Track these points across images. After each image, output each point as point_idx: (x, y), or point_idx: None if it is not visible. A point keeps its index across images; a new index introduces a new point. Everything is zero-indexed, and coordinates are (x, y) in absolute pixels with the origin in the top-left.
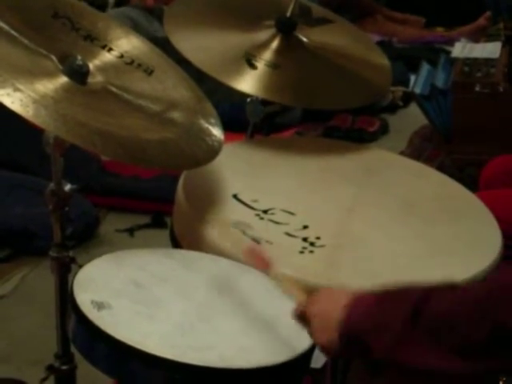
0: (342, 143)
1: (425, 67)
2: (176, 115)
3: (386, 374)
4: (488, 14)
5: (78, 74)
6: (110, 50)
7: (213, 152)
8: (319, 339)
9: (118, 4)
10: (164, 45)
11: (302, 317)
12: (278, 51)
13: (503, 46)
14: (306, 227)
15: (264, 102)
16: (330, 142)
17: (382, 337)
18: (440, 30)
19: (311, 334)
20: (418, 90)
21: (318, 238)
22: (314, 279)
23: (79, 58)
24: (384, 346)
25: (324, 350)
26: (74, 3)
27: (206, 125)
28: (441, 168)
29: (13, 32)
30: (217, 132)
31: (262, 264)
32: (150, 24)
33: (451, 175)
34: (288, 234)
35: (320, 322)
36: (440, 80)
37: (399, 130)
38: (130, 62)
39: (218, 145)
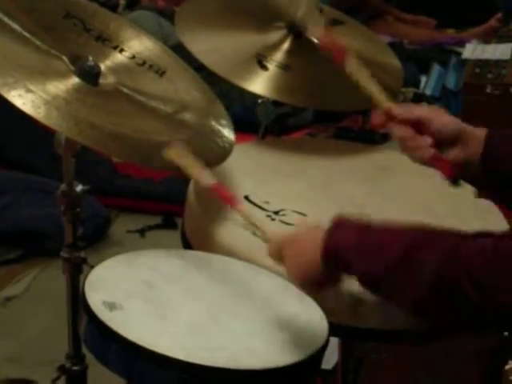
0: (353, 144)
1: (436, 69)
2: (187, 117)
3: None
4: (499, 15)
5: (90, 75)
6: (122, 50)
7: (224, 153)
8: (297, 267)
9: (129, 5)
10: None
11: (277, 254)
12: (290, 52)
13: None
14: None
15: (275, 104)
16: (341, 143)
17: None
18: (451, 31)
19: (288, 268)
20: (428, 92)
21: None
22: None
23: (90, 58)
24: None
25: (303, 277)
26: (86, 4)
27: (218, 126)
28: None
29: (24, 33)
30: (228, 133)
31: (228, 200)
32: (161, 29)
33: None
34: None
35: (298, 254)
36: (451, 81)
37: None
38: (141, 63)
39: (229, 146)
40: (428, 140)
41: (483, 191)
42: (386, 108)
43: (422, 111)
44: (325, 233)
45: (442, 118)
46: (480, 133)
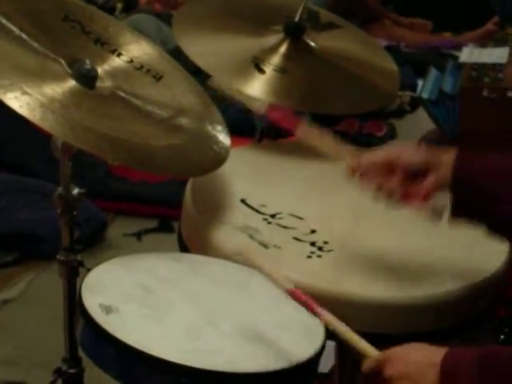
0: None
1: (432, 72)
2: (184, 121)
3: None
4: (496, 18)
5: (87, 78)
6: (120, 54)
7: (220, 159)
8: None
9: (125, 8)
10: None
11: (375, 372)
12: (286, 56)
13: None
14: (313, 232)
15: None
16: None
17: None
18: (448, 34)
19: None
20: (425, 95)
21: (325, 243)
22: (322, 284)
23: (88, 62)
24: None
25: None
26: (85, 7)
27: (213, 132)
28: None
29: (22, 35)
30: (223, 139)
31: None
32: (160, 33)
33: None
34: (296, 239)
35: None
36: (448, 85)
37: (407, 135)
38: (139, 68)
39: (224, 152)
40: (394, 181)
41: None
42: (351, 162)
43: (385, 153)
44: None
45: (406, 154)
46: (447, 157)
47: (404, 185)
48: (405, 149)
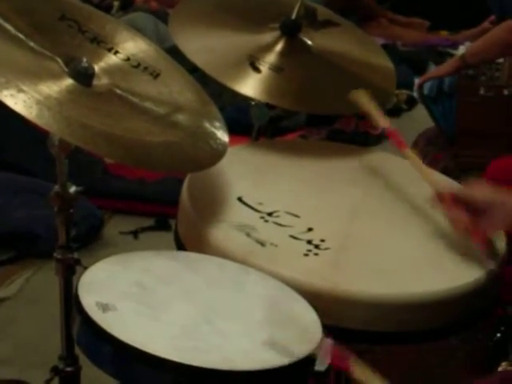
0: (346, 146)
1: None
2: (181, 118)
3: None
4: (492, 17)
5: (83, 76)
6: (117, 52)
7: (217, 155)
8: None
9: (122, 7)
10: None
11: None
12: (283, 54)
13: None
14: (310, 230)
15: (269, 106)
16: (334, 145)
17: None
18: (444, 33)
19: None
20: (425, 91)
21: (322, 241)
22: (319, 282)
23: (84, 60)
24: None
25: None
26: (82, 6)
27: (211, 128)
28: (445, 171)
29: (18, 34)
30: (221, 135)
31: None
32: (157, 31)
33: (455, 178)
34: (293, 237)
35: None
36: (446, 83)
37: (403, 134)
38: (136, 65)
39: (222, 148)
40: (464, 214)
41: None
42: (438, 189)
43: (463, 189)
44: None
45: (476, 191)
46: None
47: (472, 219)
48: (476, 186)
